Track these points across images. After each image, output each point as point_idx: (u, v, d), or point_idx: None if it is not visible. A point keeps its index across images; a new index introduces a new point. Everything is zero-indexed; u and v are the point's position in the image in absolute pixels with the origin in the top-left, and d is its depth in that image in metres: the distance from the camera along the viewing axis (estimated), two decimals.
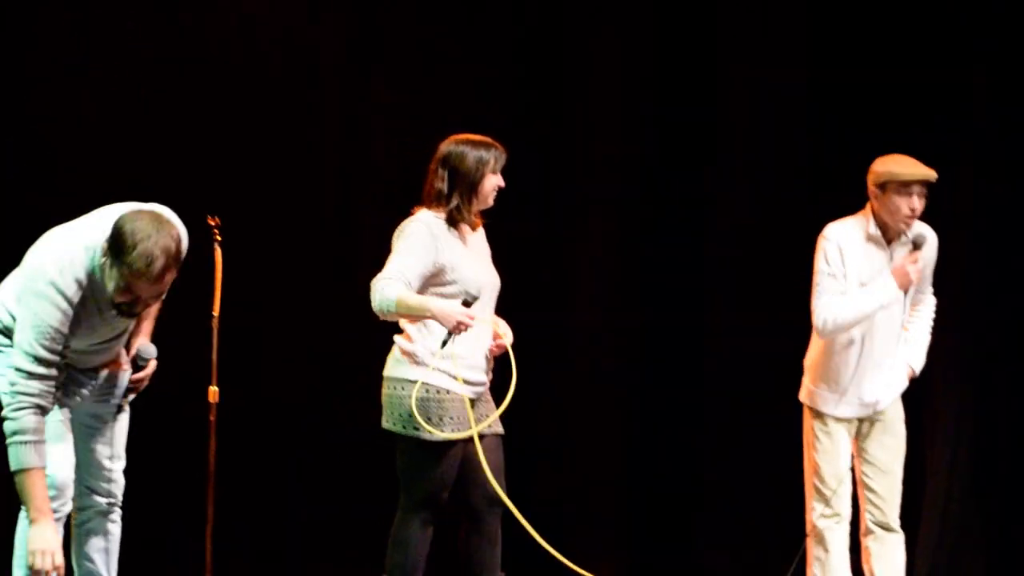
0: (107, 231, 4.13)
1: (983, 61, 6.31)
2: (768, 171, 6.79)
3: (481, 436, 4.65)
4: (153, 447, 5.52)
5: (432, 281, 4.62)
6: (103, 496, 4.56)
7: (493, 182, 4.68)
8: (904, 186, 4.88)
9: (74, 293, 4.15)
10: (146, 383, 4.59)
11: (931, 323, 5.13)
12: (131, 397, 4.61)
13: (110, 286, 4.11)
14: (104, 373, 4.52)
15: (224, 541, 5.82)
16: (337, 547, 7.24)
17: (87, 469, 4.51)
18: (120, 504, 4.63)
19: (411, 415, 4.56)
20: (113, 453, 4.56)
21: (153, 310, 4.64)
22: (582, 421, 7.28)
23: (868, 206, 4.97)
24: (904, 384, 5.04)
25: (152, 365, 4.59)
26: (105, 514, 4.60)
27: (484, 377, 4.74)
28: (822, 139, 6.62)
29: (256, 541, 7.13)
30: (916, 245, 4.83)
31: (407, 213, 7.15)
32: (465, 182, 4.64)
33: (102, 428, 4.54)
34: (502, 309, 4.93)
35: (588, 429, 7.23)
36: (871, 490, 5.00)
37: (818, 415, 5.01)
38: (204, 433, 5.59)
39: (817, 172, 6.61)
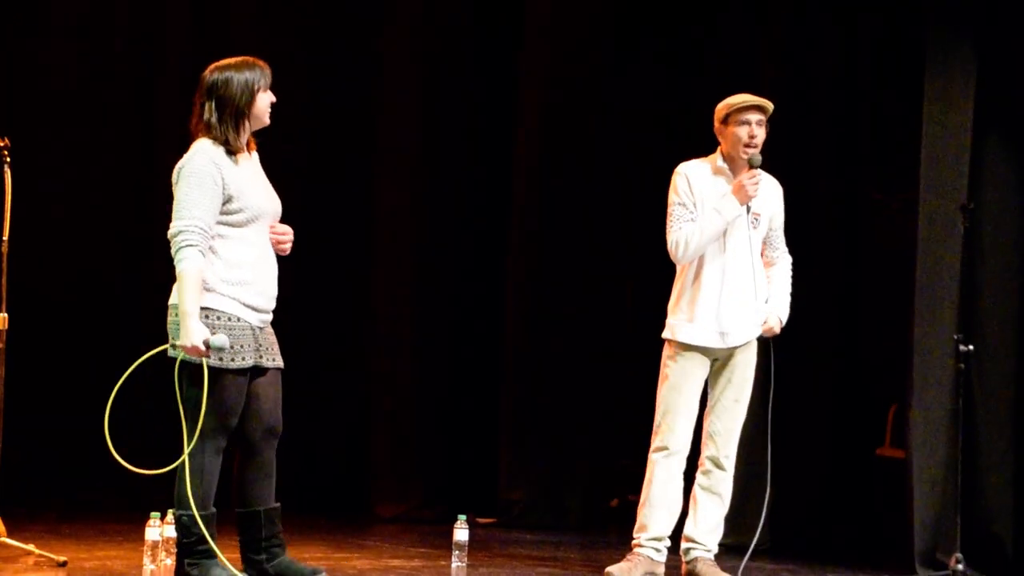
0: None
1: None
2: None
3: (263, 368, 4.63)
4: None
5: (221, 209, 4.53)
6: None
7: (265, 100, 4.56)
8: (740, 112, 5.05)
9: None
10: None
11: (789, 281, 5.22)
12: None
13: None
14: None
15: (13, 469, 5.83)
16: (125, 473, 7.13)
17: None
18: None
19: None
20: None
21: None
22: (383, 368, 7.30)
23: (718, 148, 5.15)
24: (759, 330, 5.13)
25: None
26: None
27: (270, 305, 4.68)
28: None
29: (46, 467, 7.00)
30: (752, 164, 5.00)
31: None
32: (235, 107, 4.50)
33: None
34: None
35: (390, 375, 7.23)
36: (712, 425, 5.11)
37: (674, 347, 5.06)
38: None
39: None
